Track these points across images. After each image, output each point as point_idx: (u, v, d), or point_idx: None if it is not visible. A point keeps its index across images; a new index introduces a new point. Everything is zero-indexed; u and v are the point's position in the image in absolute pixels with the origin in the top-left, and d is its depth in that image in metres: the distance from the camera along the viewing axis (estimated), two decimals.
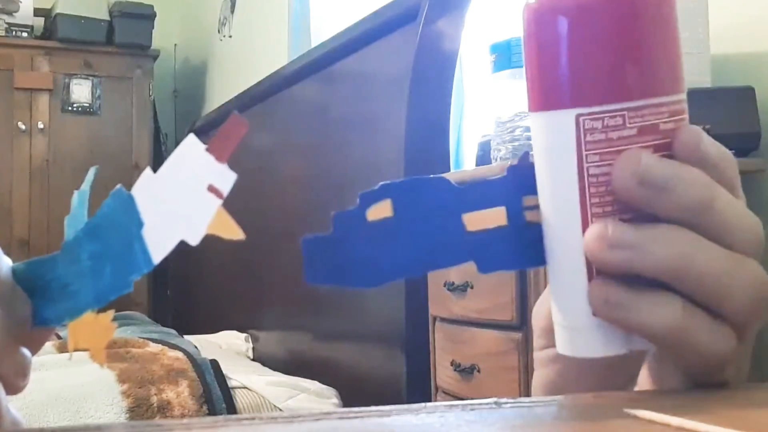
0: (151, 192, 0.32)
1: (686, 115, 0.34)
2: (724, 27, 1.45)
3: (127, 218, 0.32)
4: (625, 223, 0.33)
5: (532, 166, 0.35)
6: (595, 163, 0.33)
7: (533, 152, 0.35)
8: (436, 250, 0.35)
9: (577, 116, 0.33)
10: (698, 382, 0.35)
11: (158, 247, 0.32)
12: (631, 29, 0.33)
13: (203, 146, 0.33)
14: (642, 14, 0.34)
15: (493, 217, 0.35)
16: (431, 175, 0.36)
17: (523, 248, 0.35)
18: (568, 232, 0.34)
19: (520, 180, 0.35)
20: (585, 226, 0.34)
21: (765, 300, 0.33)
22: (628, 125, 0.33)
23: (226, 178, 0.33)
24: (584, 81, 0.33)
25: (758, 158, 1.36)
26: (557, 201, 0.34)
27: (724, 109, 1.34)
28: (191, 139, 0.33)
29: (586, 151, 0.33)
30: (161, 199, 0.32)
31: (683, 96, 0.35)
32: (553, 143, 0.34)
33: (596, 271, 0.34)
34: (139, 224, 0.32)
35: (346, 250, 0.34)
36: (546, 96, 0.34)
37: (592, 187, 0.33)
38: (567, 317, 0.35)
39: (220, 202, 0.32)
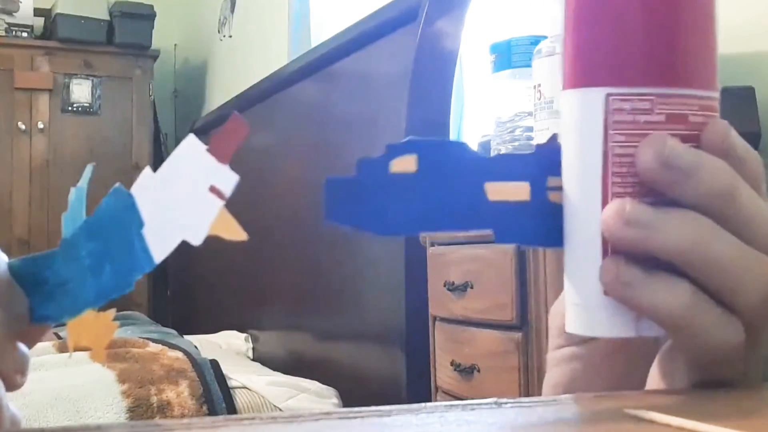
0: (150, 191, 0.32)
1: (717, 114, 0.35)
2: (724, 27, 1.45)
3: (127, 217, 0.32)
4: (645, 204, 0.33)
5: (559, 148, 0.36)
6: (620, 143, 0.34)
7: (561, 129, 0.36)
8: (456, 211, 0.35)
9: (607, 95, 0.34)
10: (705, 376, 0.35)
11: (159, 246, 0.32)
12: (672, 17, 0.34)
13: (204, 147, 0.32)
14: (684, 4, 0.34)
15: (516, 191, 0.35)
16: (460, 141, 0.36)
17: (542, 226, 0.36)
18: (588, 209, 0.34)
19: (547, 159, 0.36)
20: (604, 204, 0.34)
21: None
22: (656, 111, 0.34)
23: (228, 180, 0.32)
24: (617, 61, 0.34)
25: None
26: (580, 177, 0.35)
27: (724, 109, 1.34)
28: (191, 139, 0.33)
29: (612, 130, 0.34)
30: (161, 199, 0.32)
31: (716, 94, 0.35)
32: (581, 120, 0.34)
33: (611, 250, 0.34)
34: (140, 223, 0.32)
35: (367, 195, 0.35)
36: (578, 73, 0.35)
37: (614, 167, 0.34)
38: (579, 295, 0.35)
39: (222, 203, 0.32)
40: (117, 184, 0.32)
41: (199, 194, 0.32)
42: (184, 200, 0.32)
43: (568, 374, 0.42)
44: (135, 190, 0.32)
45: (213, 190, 0.32)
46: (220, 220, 0.32)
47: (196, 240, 0.32)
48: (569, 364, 0.42)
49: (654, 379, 0.37)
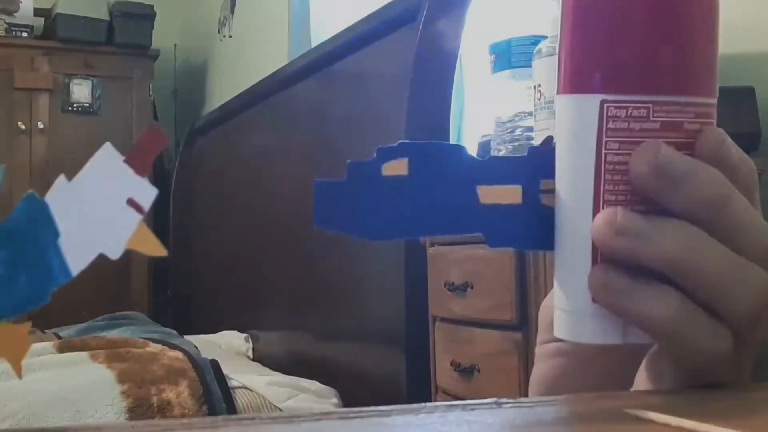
0: (66, 201, 0.30)
1: (713, 120, 0.34)
2: (724, 27, 1.45)
3: (42, 225, 0.30)
4: (636, 213, 0.33)
5: (553, 150, 0.35)
6: (614, 151, 0.34)
7: (556, 134, 0.36)
8: (447, 215, 0.35)
9: (602, 102, 0.34)
10: (693, 382, 0.35)
11: (76, 258, 0.30)
12: (670, 24, 0.33)
13: (121, 157, 0.31)
14: (683, 10, 0.34)
15: (508, 194, 0.35)
16: (452, 143, 0.36)
17: (534, 230, 0.35)
18: (578, 216, 0.34)
19: (540, 162, 0.35)
20: (596, 211, 0.34)
21: (767, 308, 0.33)
22: (651, 118, 0.33)
23: (146, 193, 0.30)
24: (613, 68, 0.34)
25: (758, 158, 1.36)
26: (572, 184, 0.35)
27: (724, 109, 1.34)
28: (108, 148, 0.31)
29: (606, 137, 0.34)
30: (77, 209, 0.30)
31: (713, 100, 0.35)
32: (576, 126, 0.34)
33: (601, 257, 0.34)
34: (55, 233, 0.30)
35: (357, 200, 0.34)
36: (574, 79, 0.35)
37: (607, 174, 0.34)
38: (567, 301, 0.35)
39: (141, 217, 0.30)
40: (29, 191, 0.31)
41: (116, 207, 0.30)
42: (100, 212, 0.30)
43: (553, 370, 0.43)
44: (49, 197, 0.31)
45: (131, 203, 0.30)
46: (138, 234, 0.30)
47: (114, 254, 0.30)
48: (555, 360, 0.42)
49: (641, 382, 0.37)
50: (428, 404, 0.32)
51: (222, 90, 3.97)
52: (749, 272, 0.33)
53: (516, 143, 1.58)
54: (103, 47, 4.03)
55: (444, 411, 0.32)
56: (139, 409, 1.89)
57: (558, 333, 0.36)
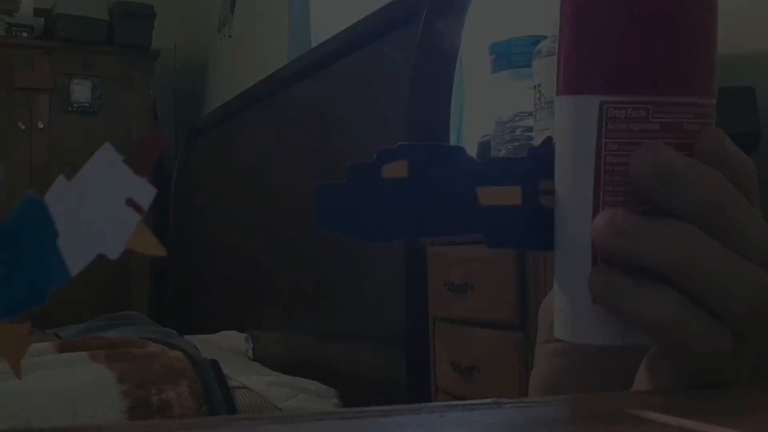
0: (65, 201, 0.31)
1: (713, 121, 0.34)
2: (724, 27, 1.45)
3: (41, 226, 0.30)
4: (636, 213, 0.33)
5: (552, 151, 0.35)
6: (614, 152, 0.33)
7: (555, 134, 0.36)
8: (447, 216, 0.35)
9: (602, 103, 0.33)
10: (693, 382, 0.35)
11: (75, 258, 0.30)
12: (668, 25, 0.33)
13: (121, 157, 0.31)
14: (682, 10, 0.34)
15: (508, 195, 0.35)
16: (452, 145, 0.36)
17: (534, 230, 0.35)
18: (578, 217, 0.34)
19: (540, 163, 0.35)
20: (595, 212, 0.34)
21: (766, 309, 0.33)
22: (651, 119, 0.33)
23: (146, 193, 0.31)
24: (613, 69, 0.34)
25: (758, 158, 1.36)
26: (571, 185, 0.35)
27: (724, 109, 1.34)
28: (107, 148, 0.31)
29: (606, 139, 0.34)
30: (77, 210, 0.30)
31: (712, 101, 0.35)
32: (575, 127, 0.34)
33: (601, 258, 0.34)
34: (54, 233, 0.30)
35: (358, 202, 0.34)
36: (573, 80, 0.35)
37: (607, 175, 0.34)
38: (567, 302, 0.35)
39: (140, 217, 0.31)
40: (29, 191, 0.31)
41: (116, 207, 0.31)
42: (99, 212, 0.31)
43: (553, 370, 0.43)
44: (48, 198, 0.31)
45: (130, 203, 0.30)
46: (138, 234, 0.31)
47: (114, 254, 0.30)
48: (555, 360, 0.42)
49: (641, 382, 0.37)
50: (428, 404, 0.32)
51: (222, 90, 3.97)
52: (749, 273, 0.33)
53: (516, 143, 1.58)
54: (103, 47, 4.03)
55: (444, 411, 0.32)
56: (139, 409, 1.89)
57: (558, 334, 0.36)
